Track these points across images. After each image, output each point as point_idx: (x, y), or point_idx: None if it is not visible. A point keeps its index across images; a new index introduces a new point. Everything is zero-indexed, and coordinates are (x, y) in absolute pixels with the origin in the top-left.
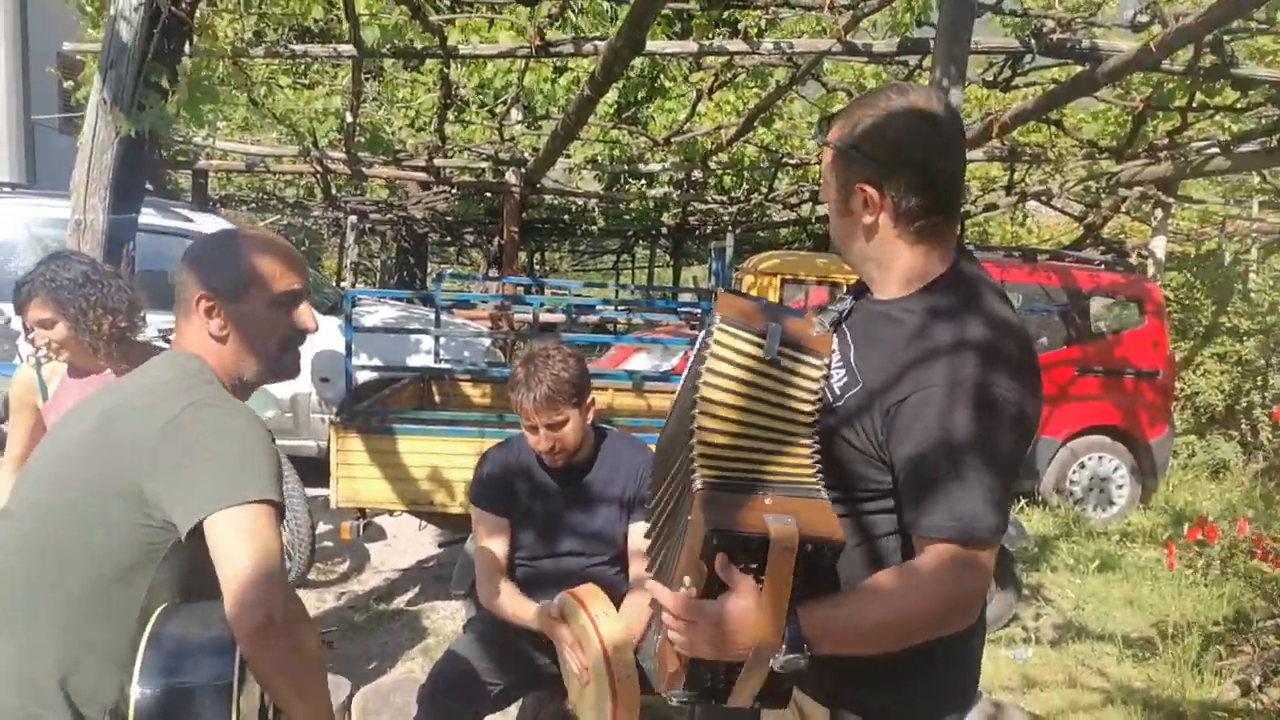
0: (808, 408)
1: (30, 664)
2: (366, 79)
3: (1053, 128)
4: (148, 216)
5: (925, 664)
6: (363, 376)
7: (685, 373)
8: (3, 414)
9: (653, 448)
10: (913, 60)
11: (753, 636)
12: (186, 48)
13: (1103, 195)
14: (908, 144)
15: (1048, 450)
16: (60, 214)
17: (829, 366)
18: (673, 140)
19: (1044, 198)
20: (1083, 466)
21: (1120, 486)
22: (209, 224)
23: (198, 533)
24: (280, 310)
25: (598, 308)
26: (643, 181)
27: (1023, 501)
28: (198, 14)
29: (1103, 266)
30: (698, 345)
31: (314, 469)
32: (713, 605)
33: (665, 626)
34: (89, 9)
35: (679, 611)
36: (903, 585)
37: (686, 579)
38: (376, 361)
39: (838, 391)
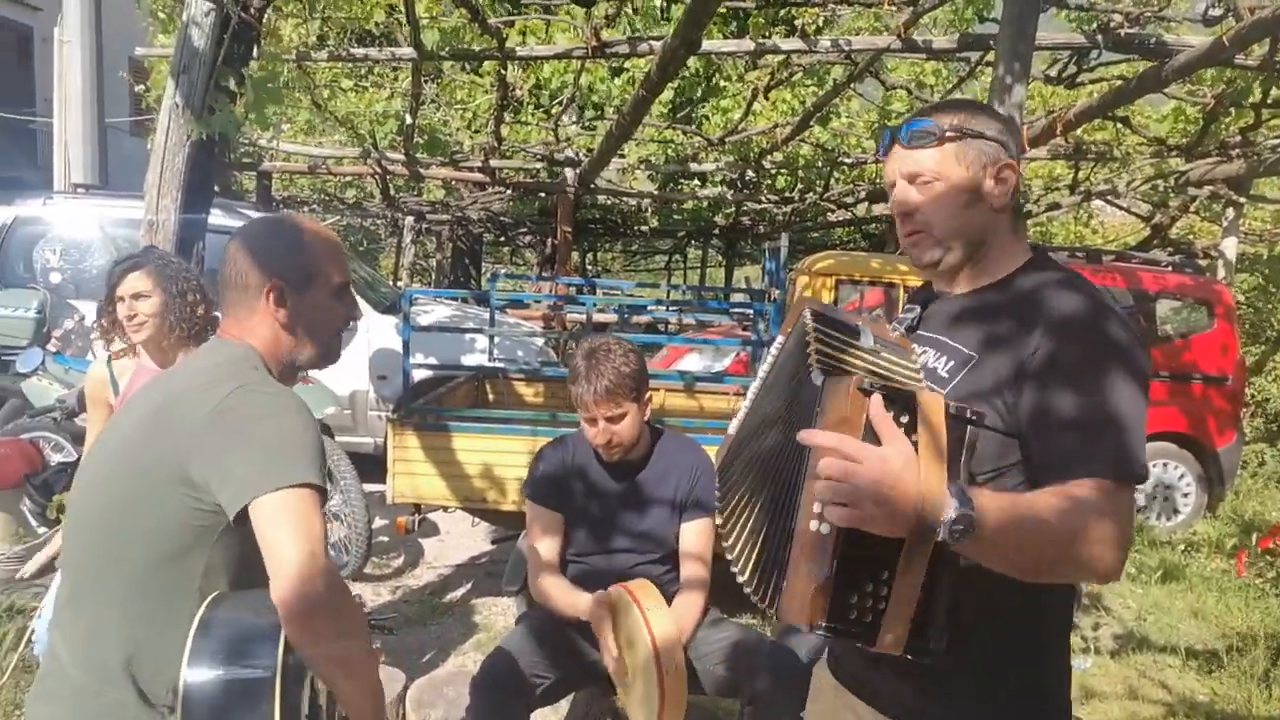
0: (918, 384)
1: (98, 642)
2: (425, 81)
3: (1119, 125)
4: (215, 217)
5: (1027, 690)
6: (419, 375)
7: (761, 381)
8: (78, 408)
9: (706, 448)
10: (974, 56)
11: (916, 486)
12: (254, 52)
13: (1171, 194)
14: (1015, 136)
15: None
16: (132, 214)
17: (921, 357)
18: (727, 140)
19: (1109, 197)
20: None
21: (1186, 495)
22: None
23: (245, 516)
24: (337, 300)
25: (650, 308)
26: (696, 181)
27: None
28: (265, 19)
29: (1170, 268)
30: (773, 347)
31: (371, 465)
32: (877, 450)
33: (822, 487)
34: (161, 15)
35: (851, 451)
36: (1064, 499)
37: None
38: (433, 360)
39: (945, 376)
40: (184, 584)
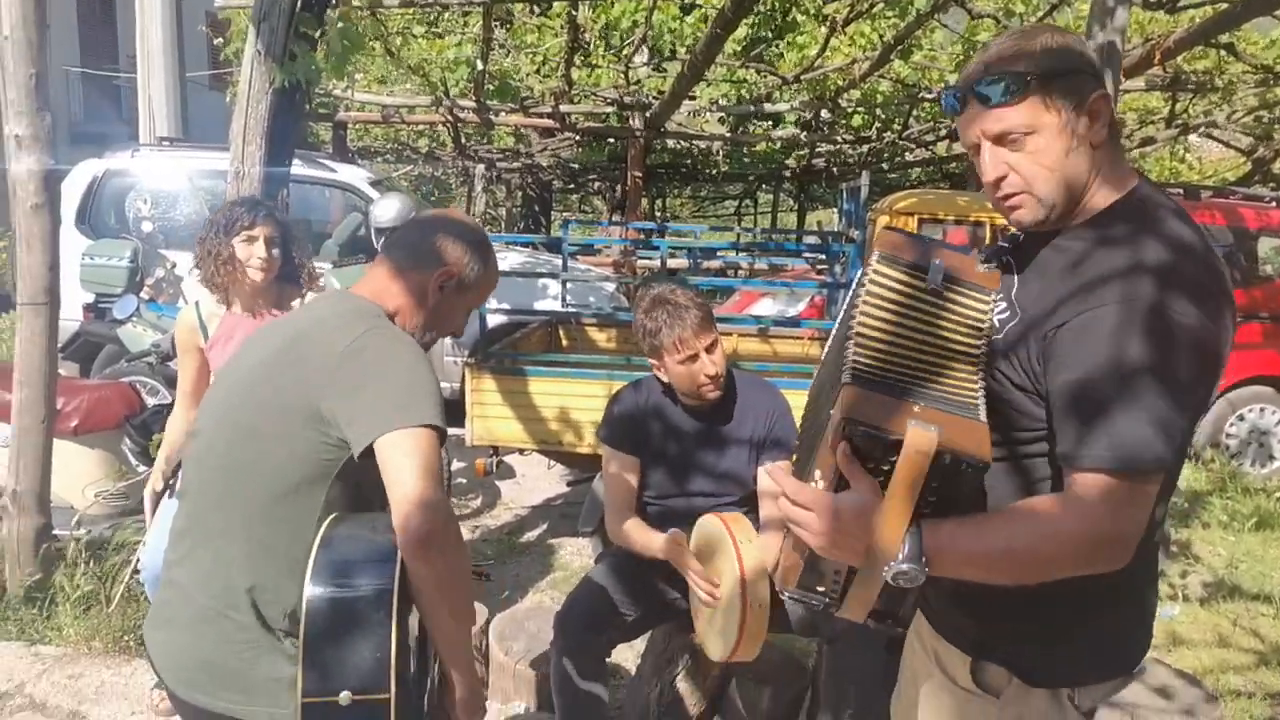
0: (975, 339)
1: (222, 570)
2: (496, 25)
3: (1222, 52)
4: (295, 167)
5: (1085, 619)
6: (494, 320)
7: (839, 319)
8: (172, 353)
9: (782, 391)
10: None
11: (867, 538)
12: None
13: (1277, 126)
14: (1094, 60)
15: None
16: (215, 165)
17: (995, 303)
18: (802, 78)
19: (1209, 130)
20: (1241, 419)
21: None
22: (350, 174)
23: (369, 452)
24: (464, 314)
25: (721, 251)
26: (768, 123)
27: None
28: None
29: (1274, 204)
30: (853, 285)
31: (449, 410)
32: (829, 496)
33: (784, 515)
34: None
35: (793, 495)
36: (1043, 514)
37: (818, 473)
38: (506, 306)
39: (997, 325)
40: (305, 515)
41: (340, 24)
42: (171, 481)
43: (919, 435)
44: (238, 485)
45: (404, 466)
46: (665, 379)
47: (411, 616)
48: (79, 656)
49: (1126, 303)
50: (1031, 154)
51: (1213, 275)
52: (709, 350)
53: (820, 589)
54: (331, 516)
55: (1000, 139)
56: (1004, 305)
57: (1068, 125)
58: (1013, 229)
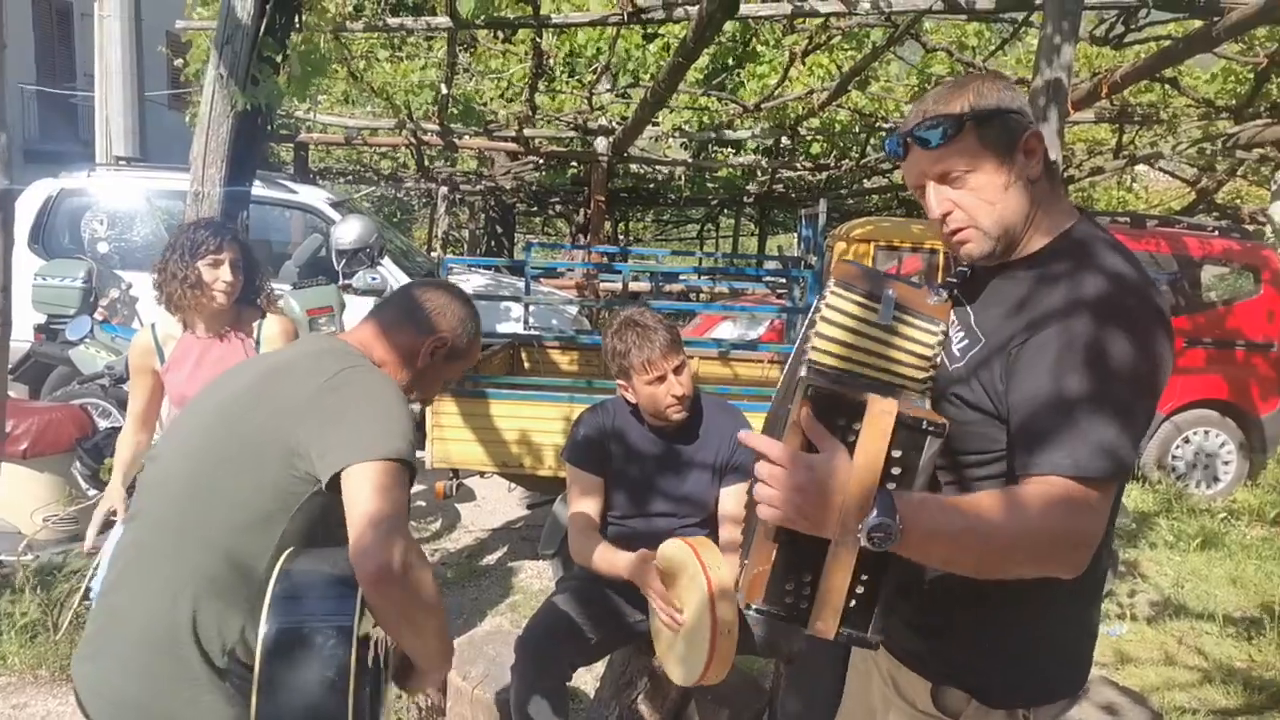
0: (921, 372)
1: (167, 600)
2: (460, 50)
3: (1166, 86)
4: (255, 188)
5: (1039, 642)
6: None
7: (796, 346)
8: (126, 375)
9: (745, 414)
10: (1018, 17)
11: (840, 498)
12: (296, 23)
13: (1219, 158)
14: (1024, 102)
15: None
16: (173, 185)
17: (946, 334)
18: (763, 106)
19: (1154, 161)
20: (1187, 441)
21: (1227, 463)
22: (311, 195)
23: (335, 484)
24: (444, 385)
25: (683, 275)
26: (730, 149)
27: None
28: None
29: (1216, 233)
30: (810, 314)
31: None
32: (803, 454)
33: (756, 486)
34: None
35: (777, 456)
36: (1007, 503)
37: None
38: None
39: (957, 354)
40: (260, 550)
41: (302, 48)
42: (127, 502)
43: (880, 400)
44: (197, 514)
45: (365, 496)
46: (632, 400)
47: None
48: (24, 685)
49: (1069, 337)
50: (973, 190)
51: (1146, 302)
52: (676, 372)
53: (789, 598)
54: (288, 551)
55: (943, 178)
56: (962, 335)
57: (1004, 163)
58: (962, 264)
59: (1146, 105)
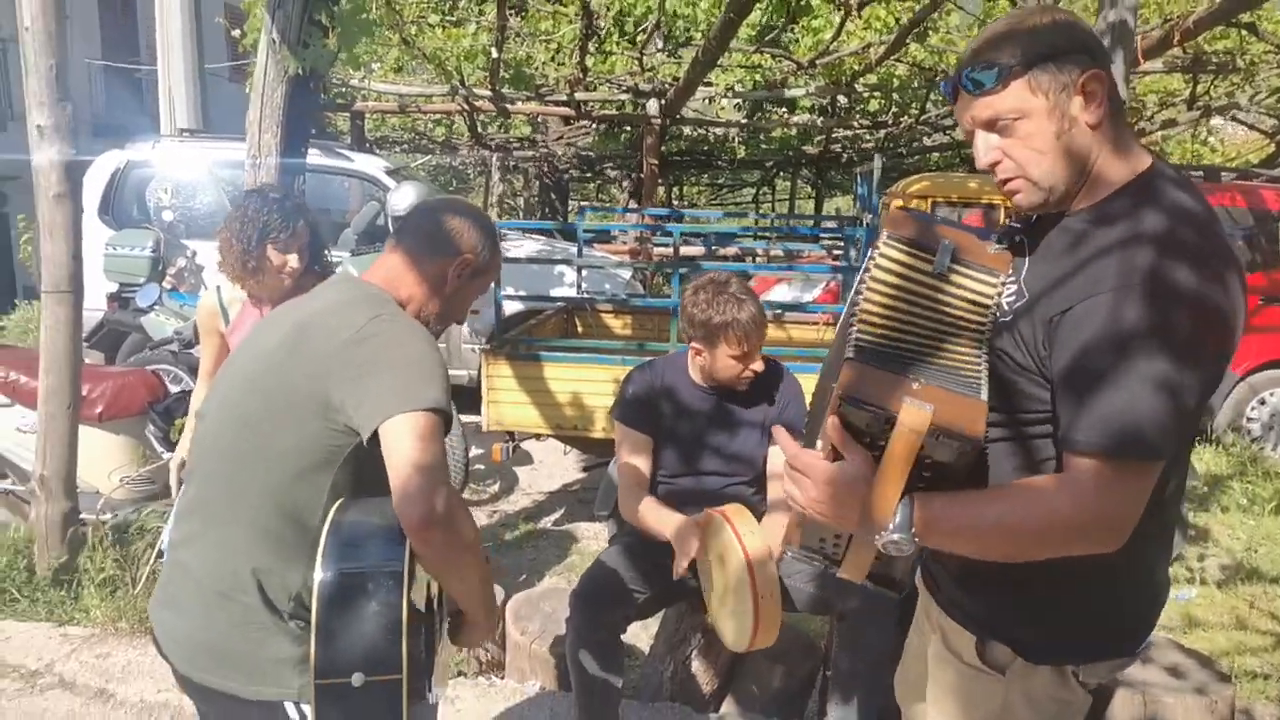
0: (979, 316)
1: (228, 554)
2: (510, 13)
3: (1244, 32)
4: (312, 157)
5: (1089, 599)
6: (510, 307)
7: (849, 299)
8: (194, 340)
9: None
10: None
11: (861, 507)
12: None
13: None
14: (1093, 37)
15: (1224, 385)
16: (234, 155)
17: (1004, 285)
18: (818, 62)
19: (1231, 112)
20: (1263, 403)
21: None
22: (367, 164)
23: (376, 438)
24: (472, 300)
25: (738, 236)
26: (784, 109)
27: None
28: None
29: None
30: (863, 267)
31: (466, 397)
32: (826, 464)
33: (784, 481)
34: None
35: (793, 460)
36: (1036, 492)
37: (820, 444)
38: (523, 293)
39: (1005, 308)
40: (311, 501)
41: (348, 8)
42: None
43: (912, 413)
44: (244, 471)
45: (405, 446)
46: (701, 362)
47: (418, 590)
48: (106, 637)
49: (1122, 283)
50: (1022, 138)
51: (1212, 237)
52: (752, 353)
53: (819, 547)
54: (339, 501)
55: (990, 125)
56: (1013, 287)
57: (1057, 108)
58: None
59: (1222, 53)
